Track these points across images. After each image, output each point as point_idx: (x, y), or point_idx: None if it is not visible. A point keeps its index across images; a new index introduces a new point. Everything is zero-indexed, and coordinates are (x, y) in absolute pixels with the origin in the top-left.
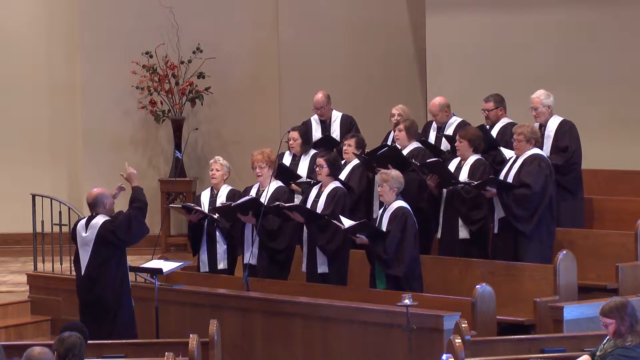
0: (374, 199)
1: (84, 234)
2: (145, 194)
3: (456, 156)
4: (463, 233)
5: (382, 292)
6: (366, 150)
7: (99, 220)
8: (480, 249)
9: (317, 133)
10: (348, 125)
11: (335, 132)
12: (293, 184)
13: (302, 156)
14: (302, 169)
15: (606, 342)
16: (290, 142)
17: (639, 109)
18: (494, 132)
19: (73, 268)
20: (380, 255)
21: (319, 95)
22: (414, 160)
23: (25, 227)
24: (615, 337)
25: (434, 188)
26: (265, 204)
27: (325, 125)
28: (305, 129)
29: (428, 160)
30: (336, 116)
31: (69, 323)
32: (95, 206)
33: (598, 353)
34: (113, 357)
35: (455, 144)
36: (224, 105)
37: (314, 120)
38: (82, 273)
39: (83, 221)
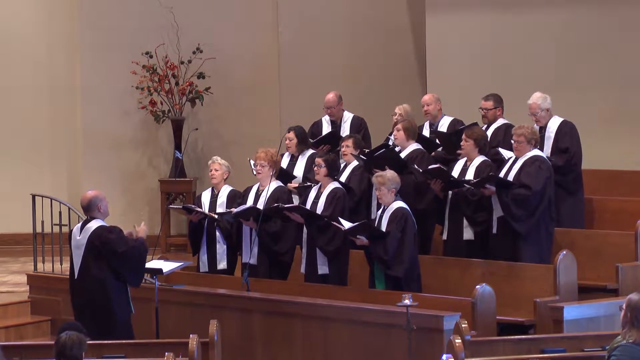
0: (372, 200)
1: (77, 237)
2: (147, 245)
3: (458, 156)
4: (467, 234)
5: (382, 292)
6: (366, 151)
7: (93, 224)
8: (485, 249)
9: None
10: (358, 127)
11: (345, 133)
12: (289, 185)
13: (300, 156)
14: (298, 169)
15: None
16: (287, 142)
17: (639, 109)
18: (489, 132)
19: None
20: (380, 256)
21: (330, 95)
22: (415, 166)
23: (25, 227)
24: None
25: (439, 192)
26: (265, 204)
27: (336, 125)
28: (301, 129)
29: (430, 167)
30: (347, 117)
31: (65, 323)
32: (89, 209)
33: (607, 347)
34: (113, 357)
35: (461, 144)
36: (224, 106)
37: (325, 120)
38: (75, 277)
39: (79, 224)
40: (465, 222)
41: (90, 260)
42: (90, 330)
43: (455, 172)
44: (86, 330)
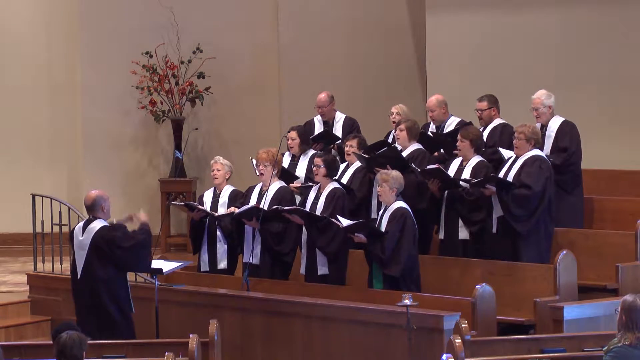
0: (372, 200)
1: (80, 237)
2: (151, 230)
3: (455, 156)
4: (463, 234)
5: (382, 292)
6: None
7: (97, 224)
8: (480, 249)
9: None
10: (350, 128)
11: (338, 134)
12: (292, 185)
13: (301, 156)
14: (301, 169)
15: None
16: (289, 142)
17: (639, 109)
18: (486, 133)
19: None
20: (377, 255)
21: (322, 95)
22: (413, 165)
23: (25, 227)
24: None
25: (436, 192)
26: (268, 204)
27: (328, 126)
28: (303, 129)
29: (428, 167)
30: (339, 118)
31: (62, 323)
32: (93, 209)
33: (604, 348)
34: (113, 357)
35: (457, 144)
36: (224, 105)
37: (317, 120)
38: (78, 277)
39: (81, 224)
40: (460, 221)
41: (94, 260)
42: (93, 330)
43: (451, 172)
44: (89, 330)
